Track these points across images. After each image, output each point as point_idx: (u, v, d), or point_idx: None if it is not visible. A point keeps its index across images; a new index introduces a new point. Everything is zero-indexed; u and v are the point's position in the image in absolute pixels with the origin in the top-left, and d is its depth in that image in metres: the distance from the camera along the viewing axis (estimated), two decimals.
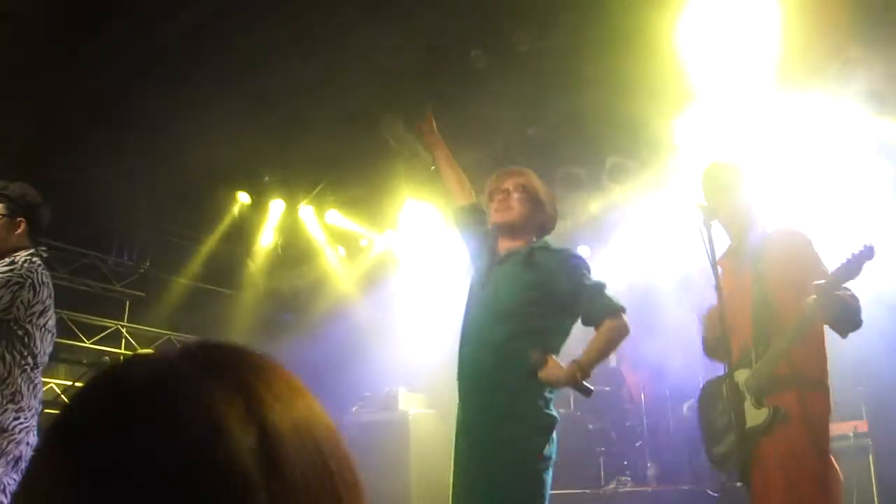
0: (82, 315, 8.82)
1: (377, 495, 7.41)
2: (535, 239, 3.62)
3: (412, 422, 8.05)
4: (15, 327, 3.57)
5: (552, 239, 3.72)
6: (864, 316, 3.32)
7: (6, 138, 6.17)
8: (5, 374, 3.52)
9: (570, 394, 6.73)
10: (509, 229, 3.57)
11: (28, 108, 6.42)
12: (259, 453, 0.65)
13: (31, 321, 3.63)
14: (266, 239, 9.70)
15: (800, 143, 6.53)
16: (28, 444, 3.59)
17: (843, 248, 3.19)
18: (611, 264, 8.46)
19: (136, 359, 0.74)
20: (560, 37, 6.07)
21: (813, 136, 6.48)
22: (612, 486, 7.44)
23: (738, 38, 5.74)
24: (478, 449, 3.31)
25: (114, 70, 6.30)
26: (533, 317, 3.35)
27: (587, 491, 7.29)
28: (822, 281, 3.18)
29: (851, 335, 3.38)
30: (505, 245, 3.59)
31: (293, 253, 10.10)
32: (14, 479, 3.50)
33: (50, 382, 8.04)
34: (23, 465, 3.56)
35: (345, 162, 8.26)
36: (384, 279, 9.72)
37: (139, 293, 9.35)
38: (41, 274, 3.72)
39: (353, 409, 8.57)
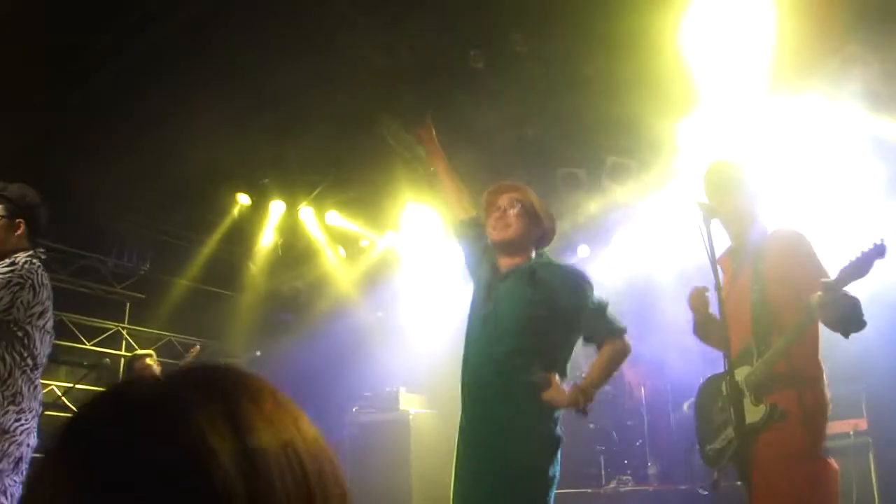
0: (83, 317, 8.83)
1: (378, 495, 7.42)
2: (534, 253, 3.61)
3: (412, 422, 8.06)
4: (15, 328, 3.57)
5: (554, 244, 3.73)
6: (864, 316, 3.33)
7: (6, 139, 6.17)
8: (6, 375, 3.53)
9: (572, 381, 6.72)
10: (508, 247, 3.55)
11: (28, 109, 6.43)
12: (244, 472, 0.70)
13: (30, 322, 3.63)
14: (266, 240, 9.70)
15: (797, 142, 6.54)
16: (28, 445, 3.59)
17: (848, 247, 3.17)
18: (611, 263, 8.48)
19: (139, 381, 0.78)
20: (559, 37, 6.08)
21: (810, 136, 6.48)
22: (612, 485, 7.44)
23: (737, 38, 5.75)
24: (481, 464, 3.31)
25: (113, 71, 6.31)
26: (536, 334, 3.34)
27: (588, 490, 7.29)
28: (829, 279, 3.17)
29: (851, 334, 3.38)
30: (505, 262, 3.57)
31: (293, 254, 10.10)
32: (14, 481, 3.50)
33: (51, 384, 8.05)
34: (24, 466, 3.57)
35: (345, 163, 8.27)
36: (384, 280, 9.73)
37: (139, 295, 9.37)
38: (41, 275, 3.72)
39: (354, 410, 8.58)
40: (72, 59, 6.15)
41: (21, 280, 3.61)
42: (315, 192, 9.02)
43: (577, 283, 3.44)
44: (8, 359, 3.54)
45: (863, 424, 6.20)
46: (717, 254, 3.52)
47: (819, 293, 3.15)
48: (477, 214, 3.89)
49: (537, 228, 3.60)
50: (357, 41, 6.14)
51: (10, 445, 3.47)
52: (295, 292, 10.46)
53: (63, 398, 7.96)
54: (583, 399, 3.17)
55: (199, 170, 7.60)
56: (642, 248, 8.22)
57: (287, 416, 0.78)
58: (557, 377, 3.23)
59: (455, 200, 3.97)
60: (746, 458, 3.25)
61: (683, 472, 7.32)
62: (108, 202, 8.05)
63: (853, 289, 3.24)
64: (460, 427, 3.48)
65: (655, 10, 5.53)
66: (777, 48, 5.63)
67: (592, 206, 8.01)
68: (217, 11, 5.64)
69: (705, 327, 3.72)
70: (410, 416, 8.10)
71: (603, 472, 7.55)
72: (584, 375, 3.39)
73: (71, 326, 8.63)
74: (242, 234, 9.59)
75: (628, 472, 7.66)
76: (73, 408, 7.69)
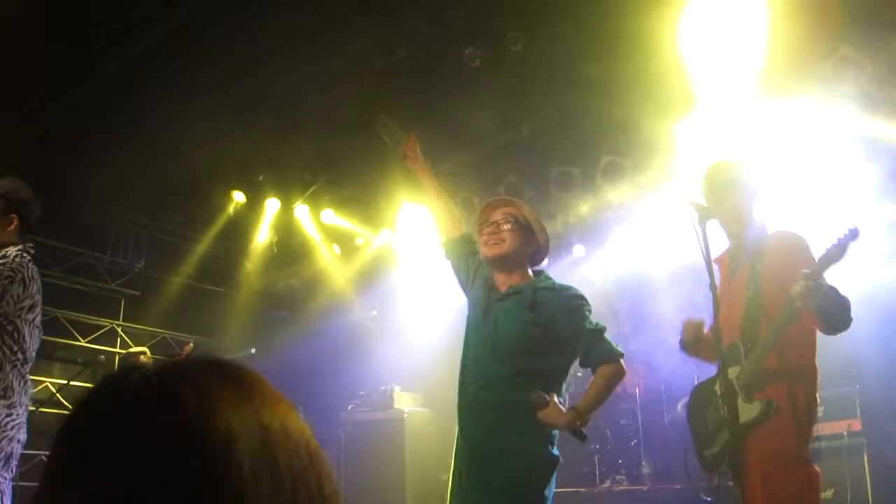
0: (78, 314, 8.81)
1: (372, 493, 7.43)
2: (529, 268, 3.60)
3: (407, 420, 8.07)
4: (4, 322, 3.55)
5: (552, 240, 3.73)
6: (856, 316, 3.34)
7: (2, 137, 6.16)
8: None
9: (565, 399, 6.74)
10: (502, 262, 3.53)
11: (24, 107, 6.42)
12: (261, 453, 0.72)
13: (20, 316, 3.61)
14: (261, 238, 9.69)
15: (790, 144, 6.55)
16: (19, 441, 3.57)
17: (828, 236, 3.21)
18: (606, 263, 8.50)
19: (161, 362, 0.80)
20: (556, 37, 6.08)
21: (803, 138, 6.50)
22: (606, 484, 7.45)
23: (732, 41, 5.76)
24: (477, 481, 3.31)
25: (109, 69, 6.30)
26: (534, 355, 3.34)
27: (582, 490, 7.30)
28: (808, 270, 3.20)
29: (845, 335, 3.39)
30: (502, 279, 3.56)
31: (288, 251, 10.10)
32: (5, 478, 3.49)
33: (45, 381, 8.04)
34: (14, 463, 3.55)
35: (340, 161, 8.27)
36: (379, 278, 9.73)
37: (134, 292, 9.34)
38: (31, 269, 3.71)
39: (349, 408, 8.60)
40: (68, 58, 6.13)
41: (11, 273, 3.60)
42: (310, 190, 9.01)
43: (576, 306, 3.42)
44: None
45: (857, 425, 6.22)
46: (716, 254, 3.54)
47: (800, 282, 3.17)
48: (467, 231, 3.87)
49: (531, 243, 3.59)
50: (353, 41, 6.13)
51: (0, 441, 3.46)
52: (290, 290, 10.46)
53: (57, 395, 7.92)
54: (579, 423, 3.17)
55: (194, 167, 7.60)
56: (637, 248, 8.23)
57: (282, 402, 0.79)
58: (556, 398, 3.23)
59: (446, 219, 3.94)
60: (741, 457, 3.26)
61: (678, 471, 7.32)
62: (104, 199, 8.04)
63: (845, 291, 3.26)
64: (457, 444, 3.48)
65: (652, 11, 5.54)
66: (770, 51, 5.64)
67: (587, 205, 8.02)
68: (212, 11, 5.64)
69: (694, 347, 3.76)
70: (405, 415, 8.11)
71: (597, 471, 7.56)
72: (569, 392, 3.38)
73: (66, 323, 8.61)
74: (238, 231, 9.58)
75: (622, 471, 7.66)
76: (68, 405, 7.69)
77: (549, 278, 3.59)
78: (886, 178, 6.54)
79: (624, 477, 7.59)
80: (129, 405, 0.73)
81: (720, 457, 3.58)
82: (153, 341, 9.10)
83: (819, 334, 3.48)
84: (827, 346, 3.51)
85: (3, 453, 3.47)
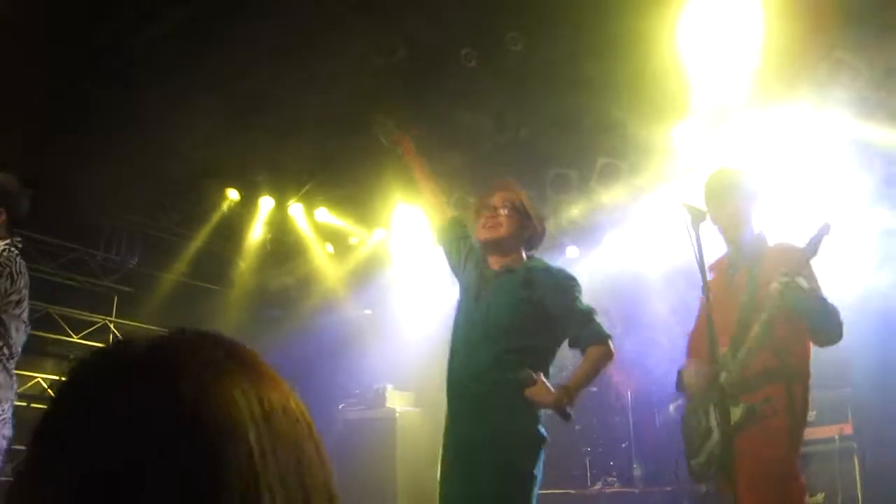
0: (70, 310, 8.79)
1: (364, 492, 7.42)
2: (523, 253, 3.64)
3: (399, 419, 8.06)
4: None
5: (543, 244, 3.75)
6: (849, 321, 3.35)
7: (2, 137, 6.14)
8: None
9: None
10: (497, 246, 3.59)
11: (24, 107, 6.40)
12: (264, 428, 0.73)
13: (6, 311, 3.58)
14: (255, 236, 9.67)
15: (785, 148, 6.56)
16: (4, 436, 3.54)
17: (833, 253, 3.26)
18: (599, 264, 8.49)
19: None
20: (555, 38, 6.08)
21: (797, 142, 6.50)
22: (597, 486, 7.46)
23: (727, 44, 5.76)
24: (466, 464, 3.32)
25: (104, 67, 6.29)
26: (526, 334, 3.38)
27: (572, 491, 7.31)
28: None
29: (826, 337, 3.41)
30: (496, 260, 3.61)
31: (282, 250, 10.08)
32: None
33: (37, 377, 8.02)
34: None
35: (334, 160, 8.25)
36: (373, 277, 9.72)
37: (127, 288, 9.32)
38: (19, 264, 3.68)
39: (341, 406, 8.58)
40: (65, 57, 6.12)
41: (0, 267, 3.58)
42: (305, 189, 9.00)
43: (567, 286, 3.47)
44: None
45: (848, 429, 6.23)
46: (713, 258, 3.54)
47: (781, 279, 3.19)
48: (458, 215, 3.94)
49: (527, 229, 3.64)
50: (349, 40, 6.13)
51: None
52: (283, 288, 10.44)
53: (49, 391, 7.92)
54: (567, 401, 3.19)
55: (188, 165, 7.58)
56: (631, 250, 8.24)
57: (282, 382, 0.80)
58: (543, 377, 3.24)
59: (435, 204, 4.00)
60: (730, 460, 3.26)
61: (669, 474, 7.33)
62: (98, 196, 8.01)
63: (838, 296, 3.28)
64: (446, 426, 3.49)
65: (650, 13, 5.54)
66: (765, 54, 5.65)
67: (582, 207, 8.02)
68: (208, 11, 5.63)
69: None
70: (397, 414, 8.10)
71: (588, 473, 7.56)
72: (569, 377, 3.41)
73: (58, 319, 8.58)
74: (231, 229, 9.56)
75: (614, 473, 7.67)
76: None
77: (541, 261, 3.65)
78: (880, 184, 6.55)
79: (615, 479, 7.60)
80: (125, 376, 0.72)
81: (706, 466, 3.59)
82: None
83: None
84: (820, 350, 3.52)
85: None
